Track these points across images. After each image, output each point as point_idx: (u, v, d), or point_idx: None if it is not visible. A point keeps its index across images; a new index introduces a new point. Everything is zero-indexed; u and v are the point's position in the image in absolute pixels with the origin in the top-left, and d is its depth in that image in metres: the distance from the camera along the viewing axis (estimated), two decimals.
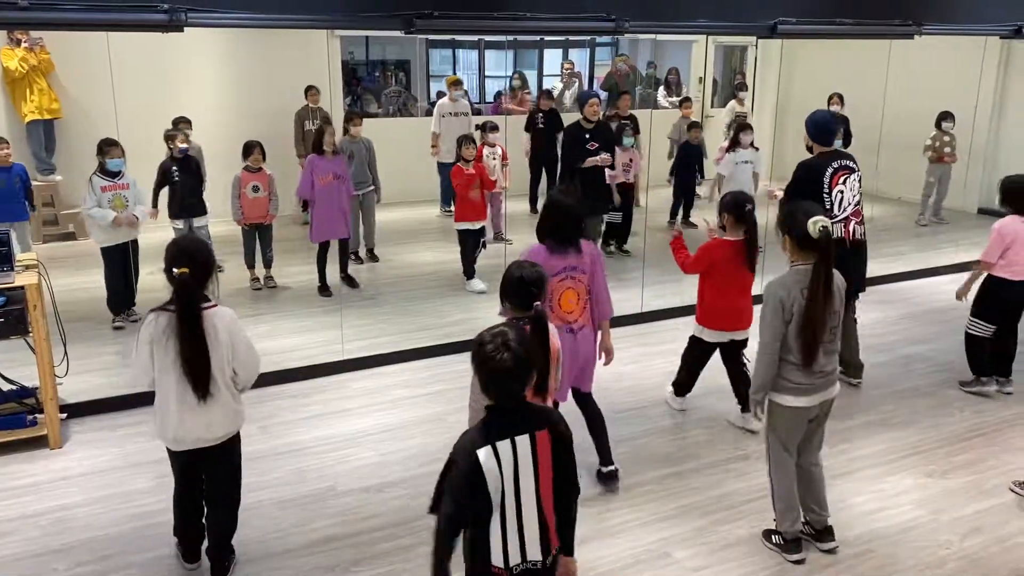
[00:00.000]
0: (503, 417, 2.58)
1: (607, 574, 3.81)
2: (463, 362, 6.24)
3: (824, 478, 4.02)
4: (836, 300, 3.67)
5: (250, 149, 7.48)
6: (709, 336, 5.12)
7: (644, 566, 3.87)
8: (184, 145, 7.26)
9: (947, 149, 10.10)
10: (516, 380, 2.55)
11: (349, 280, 7.77)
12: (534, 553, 2.63)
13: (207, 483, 3.71)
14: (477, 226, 7.71)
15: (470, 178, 7.58)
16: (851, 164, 5.47)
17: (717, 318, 5.07)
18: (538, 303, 3.32)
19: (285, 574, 3.83)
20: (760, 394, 3.81)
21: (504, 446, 2.52)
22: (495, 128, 8.73)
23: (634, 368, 6.00)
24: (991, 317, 5.52)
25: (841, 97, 10.24)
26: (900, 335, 6.86)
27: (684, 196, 10.01)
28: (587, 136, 7.55)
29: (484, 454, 2.50)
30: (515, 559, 2.60)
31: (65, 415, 5.10)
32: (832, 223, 5.24)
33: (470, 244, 7.72)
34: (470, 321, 6.72)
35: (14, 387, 5.15)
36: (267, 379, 5.69)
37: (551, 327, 3.37)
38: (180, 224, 7.27)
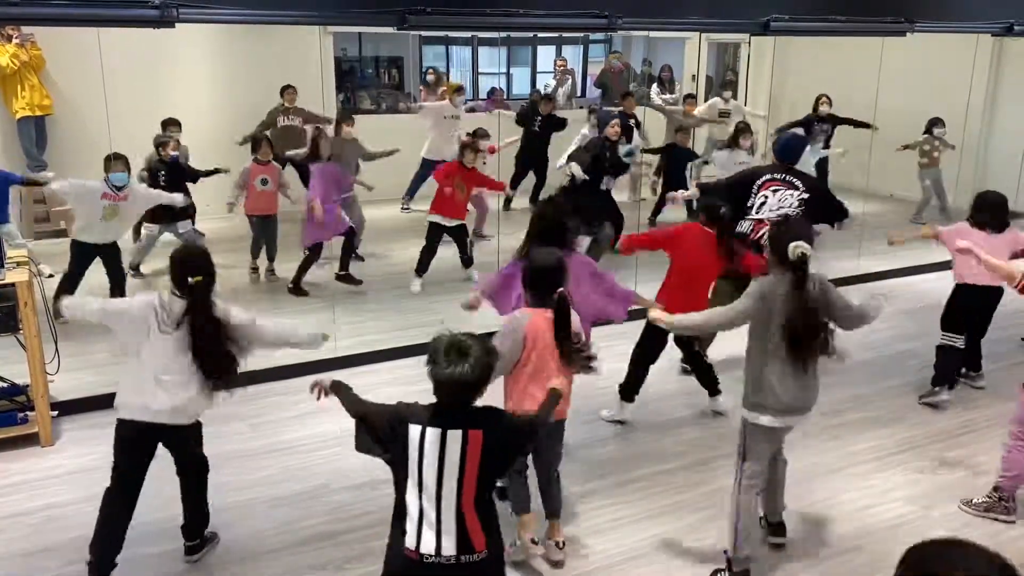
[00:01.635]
0: (446, 414, 2.72)
1: (599, 570, 3.82)
2: None
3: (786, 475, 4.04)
4: (816, 310, 3.60)
5: (258, 143, 7.57)
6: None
7: (635, 562, 3.88)
8: (175, 153, 7.33)
9: (936, 154, 10.12)
10: (470, 390, 2.72)
11: (348, 278, 7.60)
12: (448, 548, 2.67)
13: (176, 453, 3.77)
14: (451, 223, 7.59)
15: (457, 172, 7.52)
16: (796, 182, 5.60)
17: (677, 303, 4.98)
18: (561, 288, 3.46)
19: (276, 572, 3.83)
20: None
21: (433, 433, 2.66)
22: (487, 135, 8.70)
23: (625, 366, 6.00)
24: (959, 327, 5.53)
25: (829, 98, 10.23)
26: (891, 332, 6.87)
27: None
28: (607, 155, 7.71)
29: (414, 431, 2.69)
30: (427, 548, 2.67)
31: (56, 412, 5.08)
32: (746, 219, 5.55)
33: (435, 239, 7.61)
34: (461, 319, 6.69)
35: (5, 384, 5.13)
36: (258, 377, 5.67)
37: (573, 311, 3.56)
38: (155, 230, 7.31)
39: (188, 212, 7.45)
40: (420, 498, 2.68)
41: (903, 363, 6.25)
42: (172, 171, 7.31)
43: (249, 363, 5.65)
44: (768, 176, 5.66)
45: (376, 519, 4.20)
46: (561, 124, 10.08)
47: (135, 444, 3.64)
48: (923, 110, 10.16)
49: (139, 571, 3.79)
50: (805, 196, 5.54)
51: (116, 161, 6.29)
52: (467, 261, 7.84)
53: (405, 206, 10.18)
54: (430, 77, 11.86)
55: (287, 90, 9.38)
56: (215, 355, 3.54)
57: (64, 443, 4.96)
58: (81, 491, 4.41)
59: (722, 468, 4.69)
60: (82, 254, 6.46)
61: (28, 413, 4.94)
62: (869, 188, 9.71)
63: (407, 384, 5.74)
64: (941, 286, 7.87)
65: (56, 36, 8.23)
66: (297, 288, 7.46)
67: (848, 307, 3.74)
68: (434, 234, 7.61)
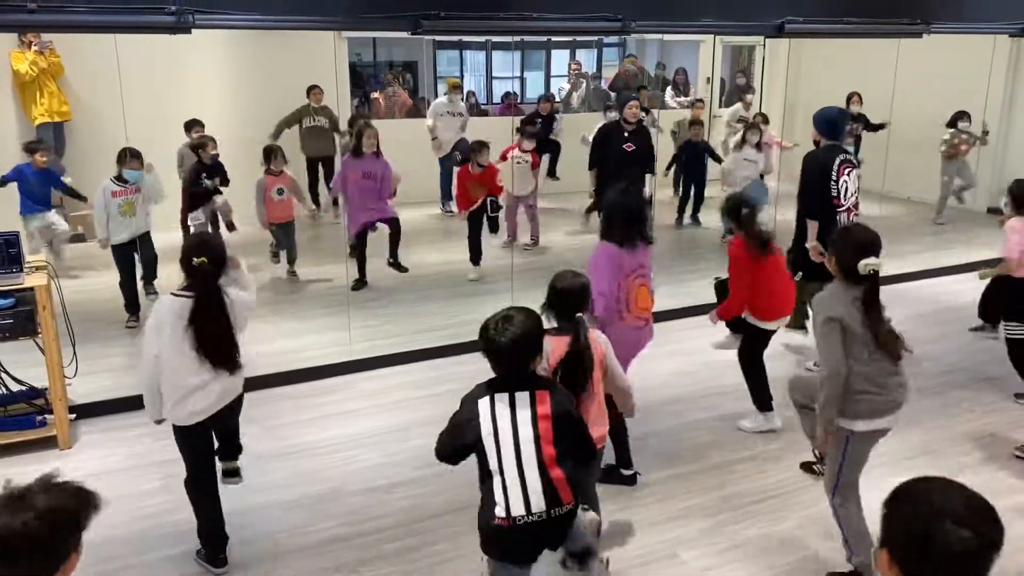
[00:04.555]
0: (509, 379, 2.84)
1: (614, 574, 3.81)
2: (470, 363, 6.27)
3: None
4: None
5: (270, 154, 7.64)
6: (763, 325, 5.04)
7: (651, 567, 3.87)
8: (215, 152, 7.57)
9: (963, 147, 9.97)
10: (522, 350, 2.81)
11: (397, 266, 7.82)
12: (538, 504, 2.75)
13: (218, 429, 3.90)
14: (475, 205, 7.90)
15: (475, 176, 7.82)
16: (853, 159, 5.76)
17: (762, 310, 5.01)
18: (580, 313, 3.38)
19: (290, 574, 3.84)
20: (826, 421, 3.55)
21: (502, 399, 2.79)
22: (533, 135, 8.74)
23: (640, 369, 5.97)
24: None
25: (861, 97, 10.18)
26: (908, 335, 6.69)
27: (694, 193, 10.07)
28: (624, 135, 7.71)
29: (483, 404, 2.80)
30: (518, 510, 2.74)
31: (74, 416, 5.13)
32: (839, 211, 5.51)
33: (475, 226, 7.94)
34: (477, 322, 6.69)
35: (23, 388, 5.18)
36: (273, 380, 5.73)
37: (595, 332, 3.46)
38: (202, 217, 7.57)
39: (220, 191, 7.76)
40: (501, 465, 2.77)
41: (919, 366, 6.19)
42: (214, 172, 7.53)
43: (264, 366, 5.77)
44: (838, 161, 5.60)
45: (390, 522, 4.21)
46: (551, 124, 10.37)
47: (198, 440, 3.76)
48: (940, 111, 10.05)
49: (162, 573, 3.82)
50: (860, 171, 5.74)
51: (133, 159, 6.46)
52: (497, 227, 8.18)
53: (448, 209, 10.38)
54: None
55: (313, 90, 9.49)
56: (215, 338, 3.57)
57: (81, 446, 4.99)
58: (99, 493, 4.44)
59: (738, 472, 4.68)
60: (123, 257, 6.65)
61: (46, 416, 4.98)
62: (886, 191, 9.65)
63: (420, 387, 5.77)
64: (955, 289, 7.84)
65: (74, 43, 8.32)
66: (360, 281, 7.67)
67: None
68: (473, 222, 7.93)
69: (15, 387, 5.17)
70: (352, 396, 5.66)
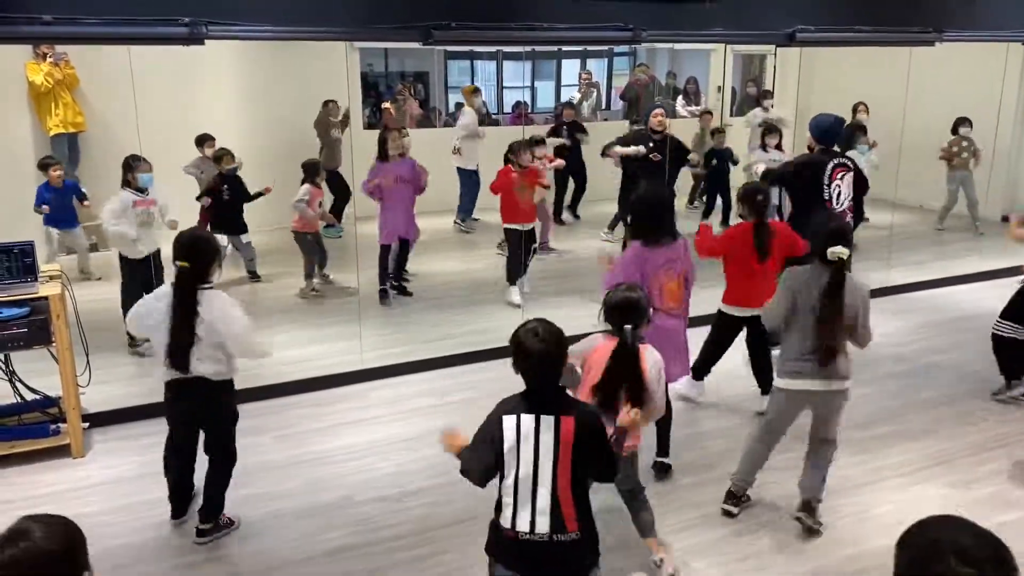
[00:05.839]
0: (535, 397, 2.83)
1: None
2: (482, 371, 6.29)
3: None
4: (848, 305, 3.95)
5: (316, 168, 7.81)
6: (731, 311, 5.30)
7: None
8: (233, 165, 7.64)
9: (964, 155, 9.95)
10: (544, 366, 2.81)
11: (400, 288, 7.82)
12: (542, 526, 2.78)
13: (206, 434, 4.10)
14: (526, 227, 7.66)
15: (520, 177, 7.55)
16: (848, 163, 5.97)
17: (738, 296, 5.26)
18: (628, 327, 3.45)
19: None
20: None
21: (528, 420, 2.78)
22: (542, 142, 8.73)
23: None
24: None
25: (867, 106, 10.18)
26: (922, 344, 6.78)
27: (722, 202, 10.11)
28: (651, 144, 7.69)
29: (508, 420, 2.79)
30: (523, 527, 2.78)
31: (87, 424, 5.15)
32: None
33: (515, 243, 7.64)
34: (489, 331, 6.72)
35: (37, 396, 5.21)
36: (285, 389, 5.75)
37: (647, 350, 3.53)
38: (223, 240, 7.60)
39: (245, 225, 7.88)
40: (517, 481, 2.79)
41: (934, 375, 6.16)
42: (233, 185, 7.65)
43: (279, 375, 5.79)
44: (834, 163, 5.87)
45: (402, 531, 4.21)
46: (583, 130, 10.27)
47: (175, 399, 4.03)
48: (953, 120, 10.02)
49: None
50: (852, 176, 5.92)
51: (143, 163, 6.18)
52: (524, 268, 7.89)
53: (460, 223, 10.43)
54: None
55: (328, 104, 9.60)
56: (179, 335, 3.76)
57: (95, 454, 5.02)
58: (111, 502, 4.47)
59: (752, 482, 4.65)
60: (132, 276, 6.24)
61: (60, 425, 5.00)
62: (898, 199, 9.61)
63: (433, 396, 5.78)
64: (971, 297, 7.79)
65: (89, 54, 8.40)
66: (384, 293, 7.62)
67: (864, 326, 4.02)
68: (514, 240, 7.64)
69: (29, 396, 5.20)
70: (365, 404, 5.66)
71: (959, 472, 4.77)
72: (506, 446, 2.79)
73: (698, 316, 5.19)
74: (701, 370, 5.53)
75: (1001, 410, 5.55)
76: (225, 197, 7.62)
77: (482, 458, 2.85)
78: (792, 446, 5.05)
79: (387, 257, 7.64)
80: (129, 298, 6.24)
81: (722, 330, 5.41)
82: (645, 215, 4.62)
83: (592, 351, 3.58)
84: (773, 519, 4.29)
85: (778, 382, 4.16)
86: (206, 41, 4.83)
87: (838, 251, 3.89)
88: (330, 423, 5.39)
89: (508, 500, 2.81)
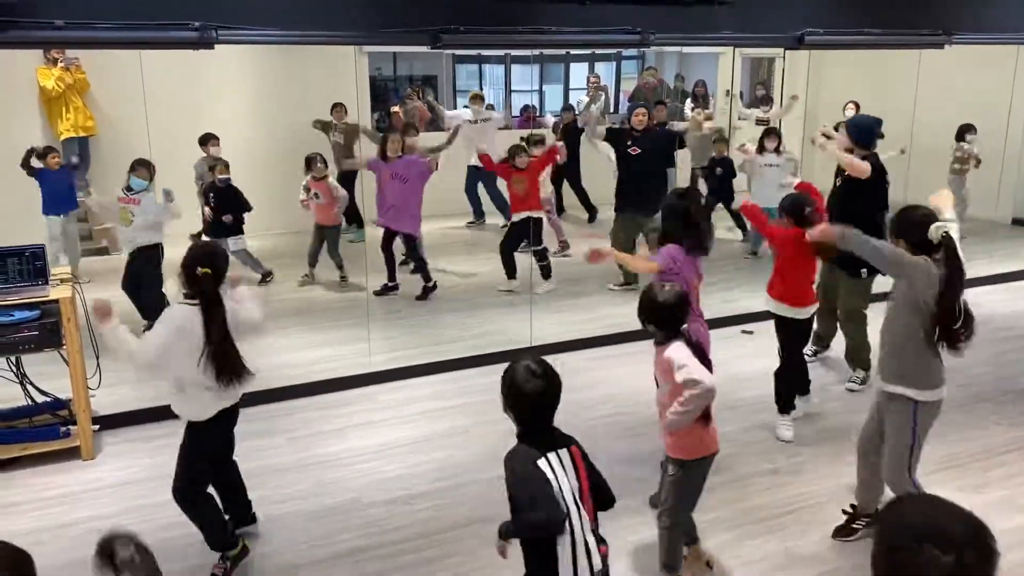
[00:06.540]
0: (539, 436, 2.73)
1: None
2: (488, 375, 6.26)
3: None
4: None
5: (312, 161, 8.02)
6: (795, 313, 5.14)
7: None
8: (223, 176, 7.66)
9: (964, 166, 9.90)
10: (553, 403, 2.73)
11: (425, 279, 7.96)
12: (597, 563, 2.71)
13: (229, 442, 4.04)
14: (518, 217, 7.89)
15: (516, 172, 7.87)
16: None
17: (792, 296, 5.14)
18: (685, 326, 3.45)
19: None
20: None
21: (554, 457, 2.68)
22: (541, 141, 8.85)
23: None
24: None
25: (857, 104, 10.12)
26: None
27: (724, 204, 10.06)
28: (629, 142, 7.77)
29: (543, 464, 2.65)
30: (584, 572, 2.67)
31: (97, 427, 5.17)
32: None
33: (511, 233, 8.00)
34: (496, 334, 6.73)
35: (48, 399, 5.24)
36: (294, 392, 5.76)
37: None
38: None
39: (241, 228, 7.84)
40: (572, 525, 2.66)
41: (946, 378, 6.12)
42: (220, 194, 7.60)
43: (287, 378, 5.81)
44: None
45: (410, 534, 4.21)
46: (578, 131, 10.26)
47: (224, 431, 3.95)
48: (963, 122, 9.97)
49: None
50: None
51: (141, 167, 6.48)
52: (545, 270, 8.03)
53: (473, 222, 10.66)
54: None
55: (336, 108, 9.65)
56: (225, 349, 3.62)
57: (105, 457, 5.04)
58: (121, 504, 4.49)
59: (758, 485, 4.64)
60: (127, 267, 6.68)
61: (70, 427, 5.03)
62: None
63: (441, 399, 5.78)
64: (981, 300, 7.73)
65: (99, 59, 8.45)
66: (385, 286, 7.90)
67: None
68: (509, 229, 8.03)
69: (40, 398, 5.24)
70: (373, 407, 5.67)
71: (969, 476, 4.74)
72: (554, 488, 2.64)
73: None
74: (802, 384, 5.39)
75: (1012, 414, 5.52)
76: (211, 205, 7.61)
77: (550, 507, 2.62)
78: (800, 451, 5.03)
79: (390, 246, 7.84)
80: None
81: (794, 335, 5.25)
82: (694, 227, 4.45)
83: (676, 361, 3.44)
84: (781, 523, 4.27)
85: (930, 394, 3.98)
86: (216, 45, 4.85)
87: (943, 226, 3.61)
88: (339, 426, 5.40)
89: (566, 551, 2.65)
